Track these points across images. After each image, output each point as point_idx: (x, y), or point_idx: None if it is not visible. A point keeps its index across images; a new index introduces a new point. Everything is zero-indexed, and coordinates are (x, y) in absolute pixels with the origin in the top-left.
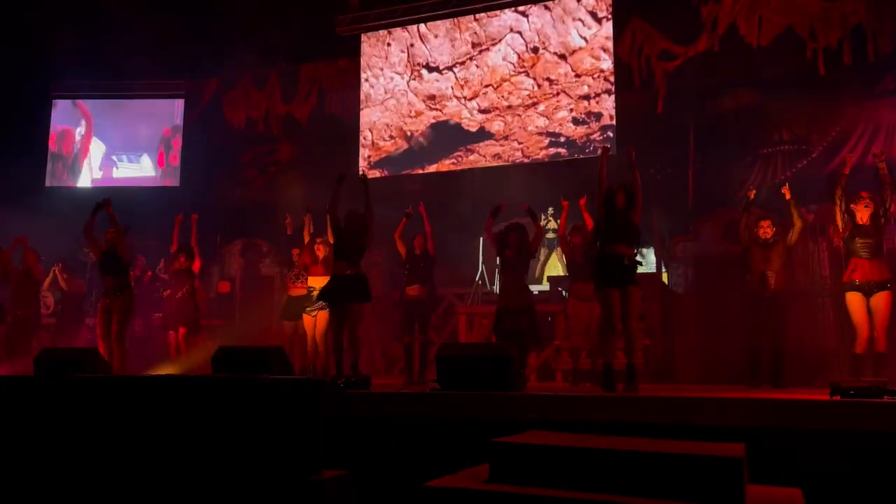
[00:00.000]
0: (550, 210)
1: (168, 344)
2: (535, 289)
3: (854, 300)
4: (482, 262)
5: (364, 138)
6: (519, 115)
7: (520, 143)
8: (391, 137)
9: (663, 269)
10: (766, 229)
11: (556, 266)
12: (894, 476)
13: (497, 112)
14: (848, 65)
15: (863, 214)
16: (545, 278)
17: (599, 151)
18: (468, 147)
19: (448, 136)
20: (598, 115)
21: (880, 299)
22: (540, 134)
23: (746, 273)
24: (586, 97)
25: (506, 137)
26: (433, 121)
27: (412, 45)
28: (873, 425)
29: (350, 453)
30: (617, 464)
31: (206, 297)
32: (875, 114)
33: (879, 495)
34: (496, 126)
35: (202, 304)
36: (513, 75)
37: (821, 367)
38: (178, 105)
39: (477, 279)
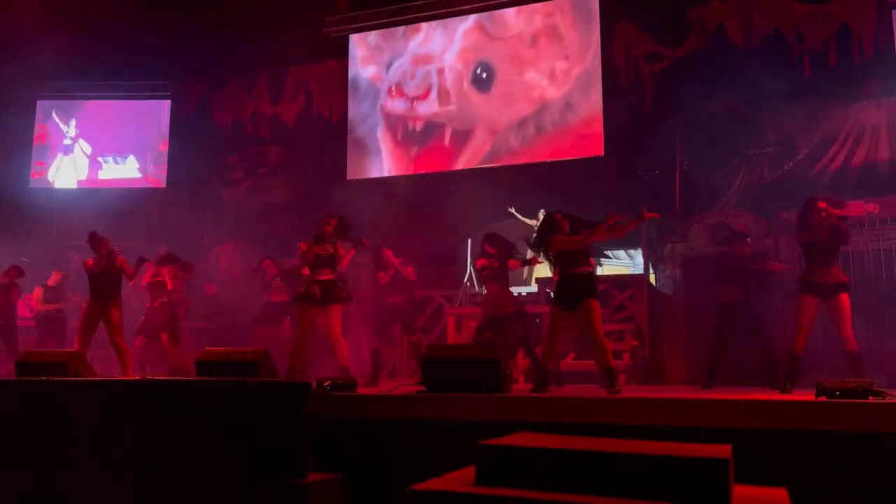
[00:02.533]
0: (542, 212)
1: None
2: (523, 290)
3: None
4: (470, 264)
5: (351, 139)
6: (507, 116)
7: (507, 144)
8: (379, 138)
9: (651, 271)
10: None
11: (544, 268)
12: (878, 476)
13: (484, 112)
14: (833, 67)
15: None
16: (533, 280)
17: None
18: (456, 147)
19: (435, 136)
20: (586, 117)
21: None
22: (527, 134)
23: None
24: (574, 98)
25: (494, 138)
26: (421, 122)
27: (400, 45)
28: (858, 426)
29: (336, 457)
30: (604, 465)
31: (170, 301)
32: (860, 116)
33: (864, 495)
34: (484, 126)
35: (180, 310)
36: (501, 75)
37: (807, 367)
38: (165, 106)
39: (465, 281)
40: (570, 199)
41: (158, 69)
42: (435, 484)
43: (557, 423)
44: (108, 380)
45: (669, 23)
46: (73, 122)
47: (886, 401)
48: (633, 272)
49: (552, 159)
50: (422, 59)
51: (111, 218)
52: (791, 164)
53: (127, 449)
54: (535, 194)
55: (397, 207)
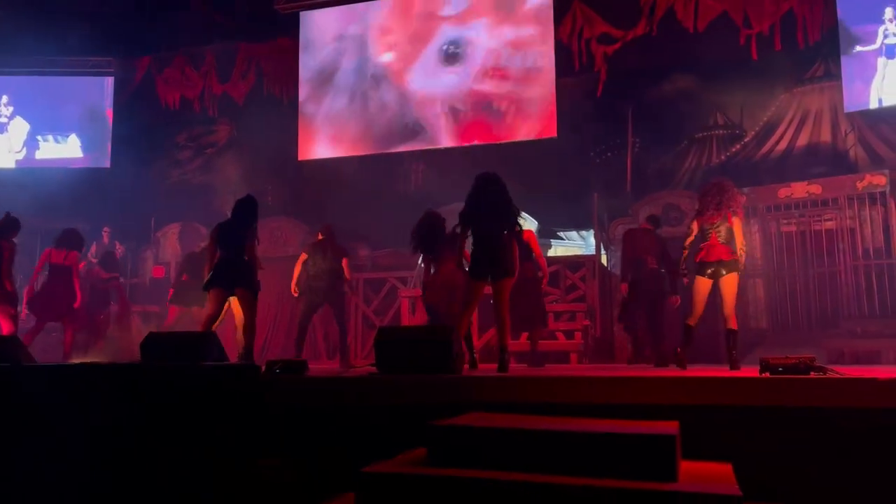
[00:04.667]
0: None
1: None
2: None
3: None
4: None
5: (303, 118)
6: (459, 97)
7: (460, 125)
8: (331, 117)
9: (602, 251)
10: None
11: None
12: (820, 449)
13: (436, 92)
14: (779, 51)
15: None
16: None
17: None
18: (407, 128)
19: (387, 117)
20: (538, 98)
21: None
22: (481, 116)
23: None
24: (526, 79)
25: (446, 118)
26: (374, 101)
27: (353, 23)
28: (800, 401)
29: (287, 439)
30: (553, 444)
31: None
32: (804, 99)
33: (807, 468)
34: (436, 107)
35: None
36: (455, 56)
37: (751, 345)
38: (108, 83)
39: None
40: (524, 180)
41: (101, 44)
42: (385, 466)
43: (510, 403)
44: (50, 364)
45: (621, 5)
46: (3, 99)
47: (827, 376)
48: (585, 253)
49: (505, 140)
50: None
51: (51, 198)
52: (739, 145)
53: (73, 434)
54: None
55: (348, 188)
